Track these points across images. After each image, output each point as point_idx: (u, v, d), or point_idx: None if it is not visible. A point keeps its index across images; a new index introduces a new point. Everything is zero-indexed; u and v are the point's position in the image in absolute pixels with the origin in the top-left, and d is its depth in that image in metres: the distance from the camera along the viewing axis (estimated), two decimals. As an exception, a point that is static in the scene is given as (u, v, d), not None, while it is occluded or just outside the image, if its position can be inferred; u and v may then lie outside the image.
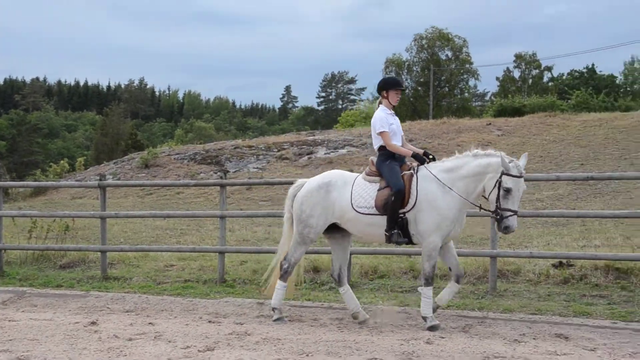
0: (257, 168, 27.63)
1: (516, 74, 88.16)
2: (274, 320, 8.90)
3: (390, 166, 8.64)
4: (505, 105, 44.90)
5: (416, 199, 8.37)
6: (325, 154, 28.71)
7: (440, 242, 8.38)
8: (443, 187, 8.32)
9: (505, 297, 10.34)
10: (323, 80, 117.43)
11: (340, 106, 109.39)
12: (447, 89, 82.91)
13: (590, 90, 53.03)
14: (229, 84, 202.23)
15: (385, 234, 8.49)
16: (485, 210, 8.45)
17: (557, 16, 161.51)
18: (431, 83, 76.81)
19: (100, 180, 13.56)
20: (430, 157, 8.75)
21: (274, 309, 9.06)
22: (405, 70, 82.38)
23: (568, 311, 9.34)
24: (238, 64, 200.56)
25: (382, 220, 8.47)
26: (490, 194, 8.13)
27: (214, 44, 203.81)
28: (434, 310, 8.60)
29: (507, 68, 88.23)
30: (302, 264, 9.93)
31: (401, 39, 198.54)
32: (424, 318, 8.43)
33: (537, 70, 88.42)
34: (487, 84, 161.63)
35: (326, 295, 10.96)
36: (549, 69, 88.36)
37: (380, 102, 9.12)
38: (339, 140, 30.34)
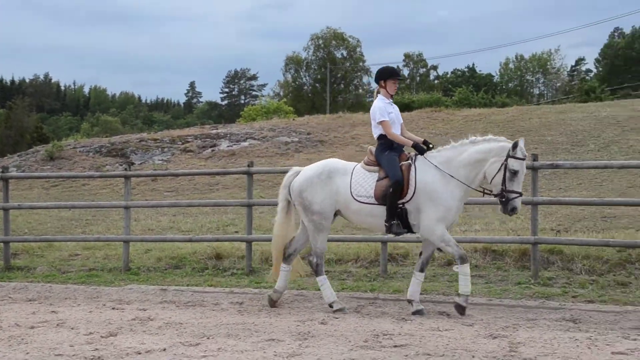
0: (162, 160, 27.10)
1: (405, 72, 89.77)
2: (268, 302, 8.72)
3: (388, 157, 8.21)
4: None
5: (415, 190, 7.97)
6: (228, 146, 28.40)
7: (446, 229, 7.97)
8: (444, 176, 7.94)
9: (395, 279, 10.48)
10: (226, 77, 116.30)
11: (242, 101, 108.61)
12: (342, 86, 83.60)
13: (471, 87, 54.40)
14: (134, 80, 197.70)
15: (385, 225, 8.11)
16: (488, 194, 8.08)
17: (442, 21, 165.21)
18: (328, 80, 77.28)
19: (2, 172, 12.95)
20: (430, 145, 8.34)
21: (275, 291, 8.78)
22: (304, 68, 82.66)
23: (450, 290, 9.53)
24: (143, 60, 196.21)
25: (382, 211, 8.08)
26: (494, 177, 7.78)
27: (120, 41, 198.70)
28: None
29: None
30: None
31: (299, 38, 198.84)
32: (410, 302, 8.16)
33: (424, 69, 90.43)
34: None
35: (228, 281, 10.85)
36: (435, 68, 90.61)
37: (378, 92, 8.70)
38: (241, 134, 30.07)
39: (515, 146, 7.66)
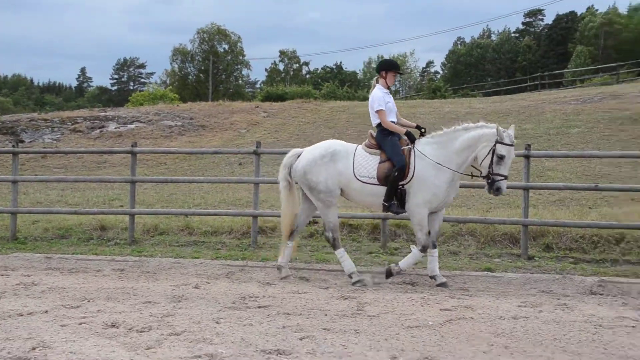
0: (52, 139, 25.81)
1: (281, 67, 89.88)
2: (281, 279, 8.15)
3: (392, 142, 7.95)
4: (271, 92, 45.42)
5: (414, 173, 7.78)
6: (115, 128, 27.39)
7: (427, 213, 7.80)
8: (435, 164, 7.75)
9: (264, 249, 10.54)
10: (116, 64, 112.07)
11: (131, 87, 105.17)
12: (224, 77, 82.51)
13: (337, 82, 55.10)
14: (27, 63, 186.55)
15: (384, 204, 7.85)
16: (476, 176, 7.97)
17: (314, 21, 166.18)
18: (210, 71, 76.08)
19: (13, 146, 12.03)
20: (423, 130, 8.17)
21: (280, 268, 8.33)
22: (189, 59, 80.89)
23: (312, 259, 9.71)
24: (35, 44, 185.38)
25: (382, 191, 7.83)
26: (483, 161, 7.64)
27: (13, 26, 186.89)
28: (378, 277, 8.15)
29: (274, 61, 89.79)
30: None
31: (186, 32, 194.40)
32: (433, 277, 7.94)
33: (297, 65, 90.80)
34: (257, 74, 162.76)
35: (111, 250, 10.57)
36: (307, 64, 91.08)
37: (377, 81, 8.43)
38: (128, 117, 29.07)
39: (502, 132, 7.59)
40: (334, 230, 8.12)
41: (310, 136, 24.50)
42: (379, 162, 7.88)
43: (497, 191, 7.60)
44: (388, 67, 8.40)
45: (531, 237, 10.26)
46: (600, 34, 68.27)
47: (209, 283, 7.85)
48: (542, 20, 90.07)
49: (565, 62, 69.08)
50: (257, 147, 11.18)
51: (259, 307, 6.57)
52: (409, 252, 7.91)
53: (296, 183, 8.40)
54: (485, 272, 8.74)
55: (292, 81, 75.81)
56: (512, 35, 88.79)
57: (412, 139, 7.98)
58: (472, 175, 8.02)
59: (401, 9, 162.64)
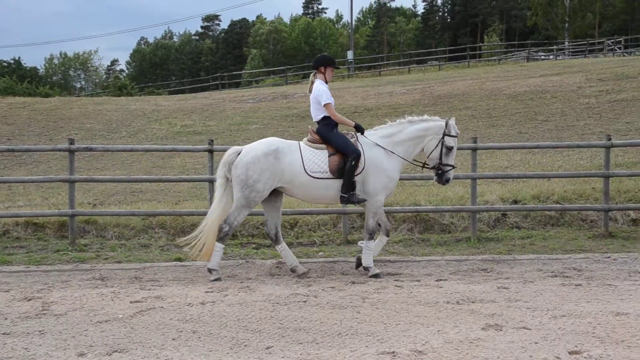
0: None
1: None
2: (212, 281, 7.37)
3: (339, 135, 7.66)
4: None
5: (365, 163, 7.53)
6: None
7: (384, 200, 7.74)
8: (385, 151, 7.63)
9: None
10: None
11: None
12: None
13: (16, 78, 50.43)
14: None
15: (343, 196, 7.48)
16: (427, 167, 7.91)
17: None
18: None
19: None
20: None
21: (211, 270, 7.51)
22: None
23: None
24: None
25: (336, 183, 7.50)
26: (431, 153, 7.68)
27: None
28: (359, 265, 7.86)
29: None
30: None
31: None
32: (366, 268, 7.63)
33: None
34: None
35: None
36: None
37: (314, 76, 7.95)
38: None
39: (448, 125, 7.62)
40: (232, 228, 7.61)
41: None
42: (329, 156, 7.61)
43: (447, 181, 7.77)
44: (327, 62, 8.10)
45: (218, 227, 10.49)
46: (270, 40, 72.88)
47: None
48: (219, 25, 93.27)
49: (242, 64, 72.42)
50: None
51: None
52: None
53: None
54: (175, 262, 8.71)
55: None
56: (193, 37, 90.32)
57: (361, 131, 7.83)
58: (424, 167, 8.03)
59: (87, 8, 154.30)
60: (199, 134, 21.64)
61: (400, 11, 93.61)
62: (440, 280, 7.24)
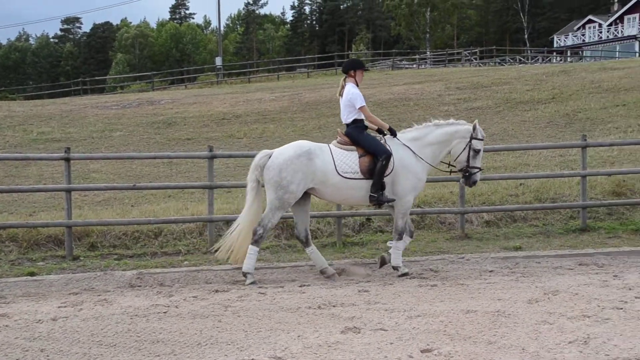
0: None
1: None
2: (248, 284, 7.36)
3: (370, 137, 7.87)
4: None
5: (394, 165, 7.68)
6: None
7: (413, 201, 7.97)
8: (414, 153, 7.80)
9: None
10: None
11: None
12: None
13: None
14: None
15: (373, 196, 7.59)
16: (454, 171, 8.14)
17: None
18: None
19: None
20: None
21: (246, 274, 7.52)
22: None
23: None
24: None
25: (366, 184, 7.63)
26: (459, 156, 7.91)
27: None
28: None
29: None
30: None
31: None
32: (396, 267, 7.84)
33: None
34: None
35: None
36: None
37: (345, 81, 8.15)
38: None
39: (475, 129, 7.82)
40: (267, 230, 7.72)
41: None
42: (359, 157, 7.72)
43: (474, 183, 8.03)
44: (357, 66, 8.37)
45: (76, 238, 10.01)
46: (136, 44, 70.82)
47: None
48: (80, 27, 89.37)
49: (107, 69, 69.82)
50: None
51: None
52: None
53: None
54: (26, 277, 8.17)
55: None
56: (52, 40, 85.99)
57: (394, 134, 7.96)
58: (451, 172, 8.24)
59: None
60: (58, 141, 20.57)
61: (269, 18, 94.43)
62: (304, 285, 7.34)
